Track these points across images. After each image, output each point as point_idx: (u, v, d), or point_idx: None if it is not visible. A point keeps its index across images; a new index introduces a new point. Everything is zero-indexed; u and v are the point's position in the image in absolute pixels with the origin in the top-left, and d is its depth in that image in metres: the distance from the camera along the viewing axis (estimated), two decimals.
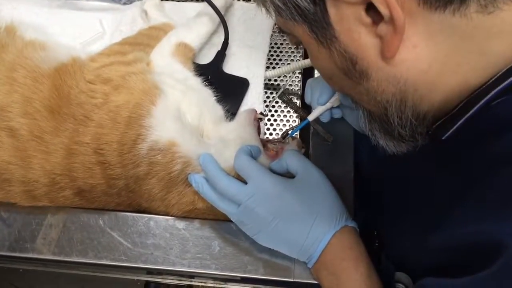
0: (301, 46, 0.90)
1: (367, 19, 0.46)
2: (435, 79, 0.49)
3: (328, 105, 0.73)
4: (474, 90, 0.49)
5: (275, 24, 0.92)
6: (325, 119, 0.76)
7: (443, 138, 0.53)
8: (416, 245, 0.61)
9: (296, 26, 0.52)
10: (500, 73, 0.47)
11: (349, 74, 0.52)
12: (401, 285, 0.64)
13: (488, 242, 0.46)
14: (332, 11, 0.47)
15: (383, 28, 0.45)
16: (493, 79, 0.47)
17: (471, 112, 0.49)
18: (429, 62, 0.47)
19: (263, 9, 0.54)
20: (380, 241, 0.73)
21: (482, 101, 0.48)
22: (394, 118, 0.53)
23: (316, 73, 0.84)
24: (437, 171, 0.59)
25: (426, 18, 0.45)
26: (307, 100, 0.76)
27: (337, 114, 0.76)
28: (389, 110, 0.53)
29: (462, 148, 0.54)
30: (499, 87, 0.47)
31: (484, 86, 0.48)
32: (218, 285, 0.77)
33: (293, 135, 0.76)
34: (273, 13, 0.53)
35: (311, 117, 0.74)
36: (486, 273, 0.45)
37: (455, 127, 0.52)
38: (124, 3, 0.95)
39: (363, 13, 0.45)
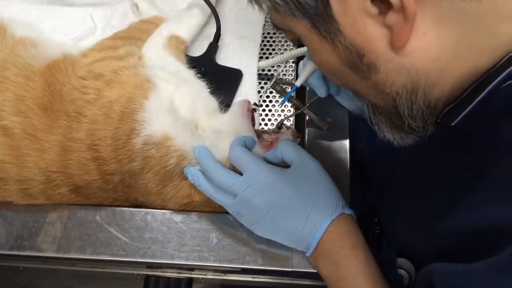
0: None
1: (374, 10, 0.44)
2: (446, 65, 0.48)
3: None
4: (483, 73, 0.48)
5: (268, 14, 0.92)
6: (322, 93, 0.73)
7: (452, 124, 0.52)
8: (418, 231, 0.61)
9: (295, 22, 0.50)
10: (509, 55, 0.46)
11: (355, 68, 0.51)
12: (402, 271, 0.64)
13: (500, 227, 0.46)
14: (334, 3, 0.46)
15: (392, 17, 0.44)
16: (502, 61, 0.46)
17: (480, 96, 0.49)
18: (440, 49, 0.46)
19: (256, 6, 0.52)
20: (381, 228, 0.73)
21: (492, 85, 0.47)
22: (405, 110, 0.52)
23: None
24: (442, 157, 0.59)
25: (435, 4, 0.44)
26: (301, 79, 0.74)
27: (334, 89, 0.74)
28: (399, 102, 0.52)
29: (471, 133, 0.53)
30: (508, 70, 0.46)
31: (493, 69, 0.47)
32: (218, 277, 0.77)
33: (288, 122, 0.75)
34: (266, 9, 0.51)
35: (298, 83, 0.72)
36: (498, 258, 0.44)
37: (465, 112, 0.50)
38: None
39: (368, 4, 0.44)
